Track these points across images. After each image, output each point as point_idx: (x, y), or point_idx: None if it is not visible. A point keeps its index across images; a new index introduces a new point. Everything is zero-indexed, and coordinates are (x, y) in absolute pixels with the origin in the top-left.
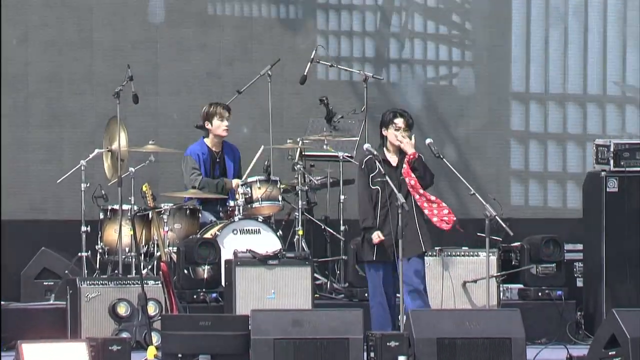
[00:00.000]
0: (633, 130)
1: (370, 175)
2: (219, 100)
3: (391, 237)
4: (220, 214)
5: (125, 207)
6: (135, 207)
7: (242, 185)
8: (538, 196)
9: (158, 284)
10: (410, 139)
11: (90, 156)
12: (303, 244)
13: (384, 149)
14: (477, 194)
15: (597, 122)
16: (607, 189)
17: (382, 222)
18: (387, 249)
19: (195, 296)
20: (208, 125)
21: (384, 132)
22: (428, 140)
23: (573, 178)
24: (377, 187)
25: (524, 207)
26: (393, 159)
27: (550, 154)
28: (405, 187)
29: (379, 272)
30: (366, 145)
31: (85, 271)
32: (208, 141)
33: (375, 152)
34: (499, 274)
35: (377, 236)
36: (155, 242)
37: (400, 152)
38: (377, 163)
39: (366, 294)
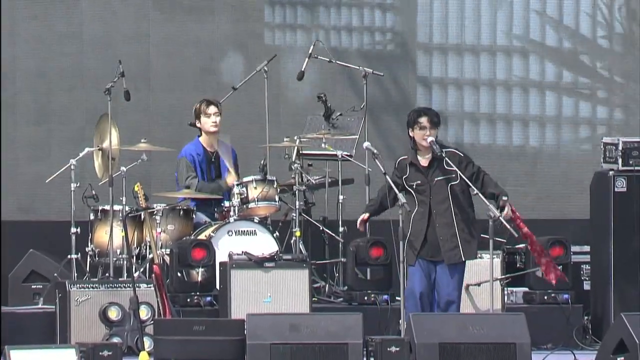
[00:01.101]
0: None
1: (404, 178)
2: (212, 97)
3: (421, 241)
4: (215, 214)
5: (116, 207)
6: (127, 208)
7: (237, 185)
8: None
9: (150, 287)
10: (434, 137)
11: (81, 155)
12: (300, 245)
13: (415, 151)
14: (480, 194)
15: None
16: (615, 189)
17: (417, 225)
18: (414, 252)
19: (189, 300)
20: (198, 124)
21: (411, 134)
22: (430, 139)
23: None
24: (411, 191)
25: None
26: (423, 161)
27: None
28: (444, 190)
29: (414, 275)
30: (366, 144)
31: (75, 274)
32: (203, 140)
33: (374, 151)
34: (503, 277)
35: (361, 219)
36: (148, 244)
37: (432, 153)
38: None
39: (365, 297)
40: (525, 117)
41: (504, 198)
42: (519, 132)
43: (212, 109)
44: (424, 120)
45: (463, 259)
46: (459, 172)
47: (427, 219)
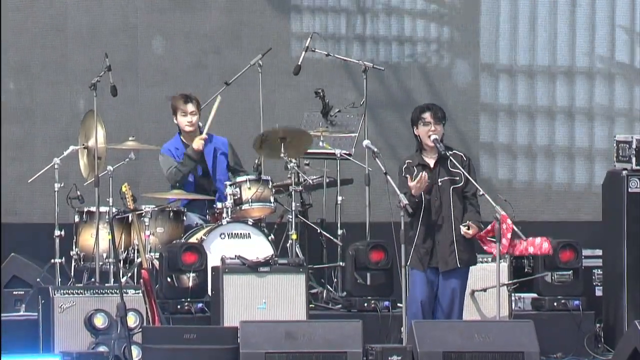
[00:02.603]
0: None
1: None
2: (190, 92)
3: (430, 247)
4: (207, 216)
5: (102, 209)
6: (114, 209)
7: (230, 185)
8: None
9: (138, 293)
10: (439, 135)
11: (65, 153)
12: (297, 249)
13: (420, 151)
14: (486, 195)
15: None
16: (629, 189)
17: (422, 230)
18: (422, 258)
19: (179, 306)
20: (175, 120)
21: (416, 132)
22: (433, 137)
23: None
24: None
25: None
26: (430, 160)
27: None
28: (447, 192)
29: (416, 280)
30: (365, 142)
31: (59, 279)
32: (183, 137)
33: (375, 150)
34: (510, 282)
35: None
36: (136, 248)
37: (438, 152)
38: (414, 168)
39: (365, 304)
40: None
41: (470, 223)
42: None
43: (189, 107)
44: (427, 115)
45: (458, 265)
46: (463, 172)
47: (433, 222)
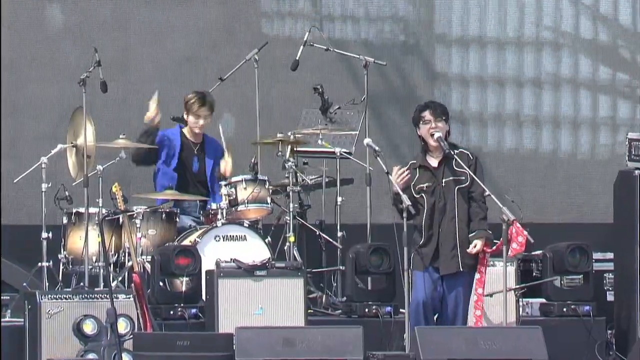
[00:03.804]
0: None
1: (413, 184)
2: (199, 89)
3: (433, 249)
4: (201, 217)
5: (92, 210)
6: (104, 211)
7: (225, 185)
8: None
9: (129, 298)
10: (442, 133)
11: (53, 152)
12: (295, 252)
13: (424, 152)
14: (493, 196)
15: None
16: None
17: (427, 232)
18: (423, 259)
19: (172, 312)
20: (185, 116)
21: (419, 133)
22: (437, 135)
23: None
24: (421, 194)
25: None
26: (434, 161)
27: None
28: (452, 193)
29: (416, 281)
30: (366, 140)
31: (47, 284)
32: (186, 132)
33: (376, 148)
34: (518, 286)
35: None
36: (127, 251)
37: (442, 152)
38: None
39: (366, 309)
40: (557, 117)
41: (477, 240)
42: (548, 134)
43: (204, 111)
44: (426, 113)
45: (460, 269)
46: (468, 171)
47: (438, 224)
